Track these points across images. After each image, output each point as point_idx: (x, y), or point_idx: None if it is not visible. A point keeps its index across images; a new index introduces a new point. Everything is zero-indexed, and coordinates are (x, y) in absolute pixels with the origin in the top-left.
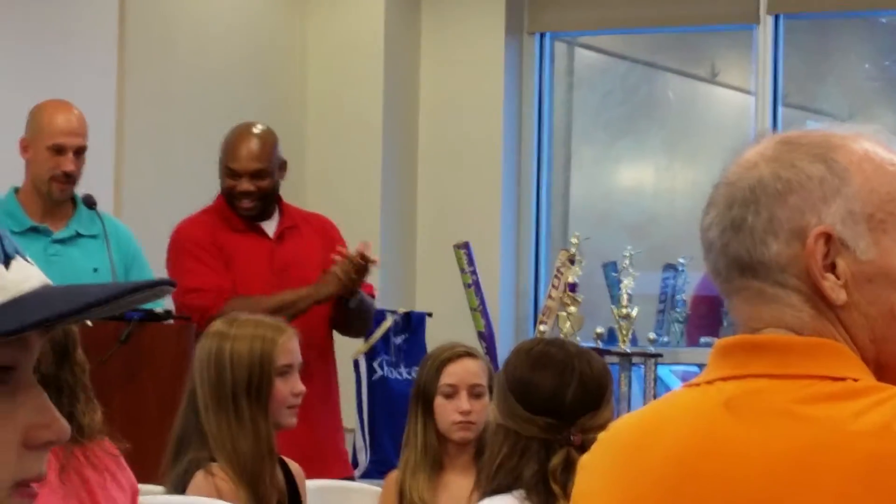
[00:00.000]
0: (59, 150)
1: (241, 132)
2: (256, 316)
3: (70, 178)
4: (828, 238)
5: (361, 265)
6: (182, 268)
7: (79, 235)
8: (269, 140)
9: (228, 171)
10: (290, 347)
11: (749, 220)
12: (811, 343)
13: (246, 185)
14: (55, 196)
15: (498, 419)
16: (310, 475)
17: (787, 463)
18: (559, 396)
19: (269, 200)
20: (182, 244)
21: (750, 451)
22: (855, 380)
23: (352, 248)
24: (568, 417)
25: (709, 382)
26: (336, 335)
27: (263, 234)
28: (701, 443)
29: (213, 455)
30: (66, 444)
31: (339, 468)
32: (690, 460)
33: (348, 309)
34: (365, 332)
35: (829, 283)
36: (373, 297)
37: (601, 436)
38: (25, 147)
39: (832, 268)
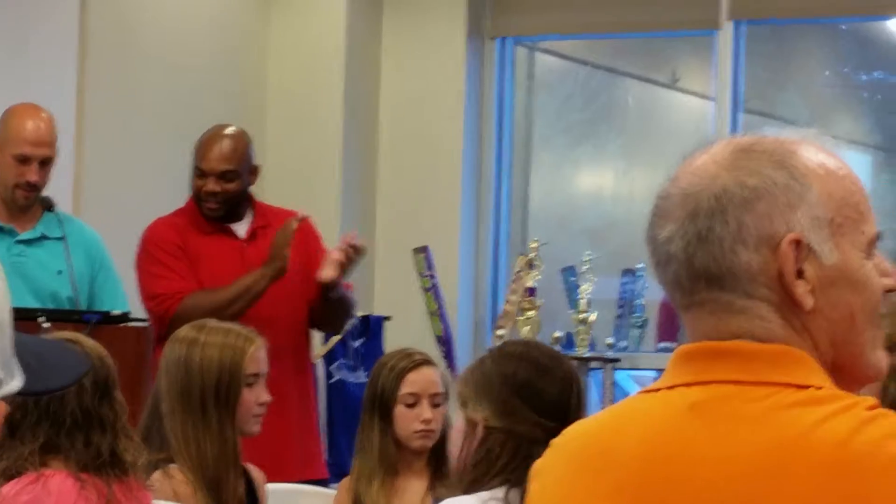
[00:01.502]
0: (23, 160)
1: (214, 133)
2: (225, 324)
3: (34, 188)
4: (797, 244)
5: (351, 255)
6: (146, 271)
7: (44, 237)
8: (240, 142)
9: (198, 171)
10: (257, 357)
11: (717, 229)
12: (776, 350)
13: (212, 185)
14: (19, 203)
15: (494, 422)
16: (284, 477)
17: (753, 468)
18: (564, 401)
19: (234, 203)
20: (147, 247)
21: (715, 456)
22: (818, 388)
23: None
24: (568, 421)
25: (669, 388)
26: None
27: (233, 235)
28: (666, 447)
29: (174, 458)
30: (108, 479)
31: (315, 470)
32: (656, 465)
33: (331, 301)
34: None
35: (801, 290)
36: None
37: (555, 441)
38: None
39: (801, 274)
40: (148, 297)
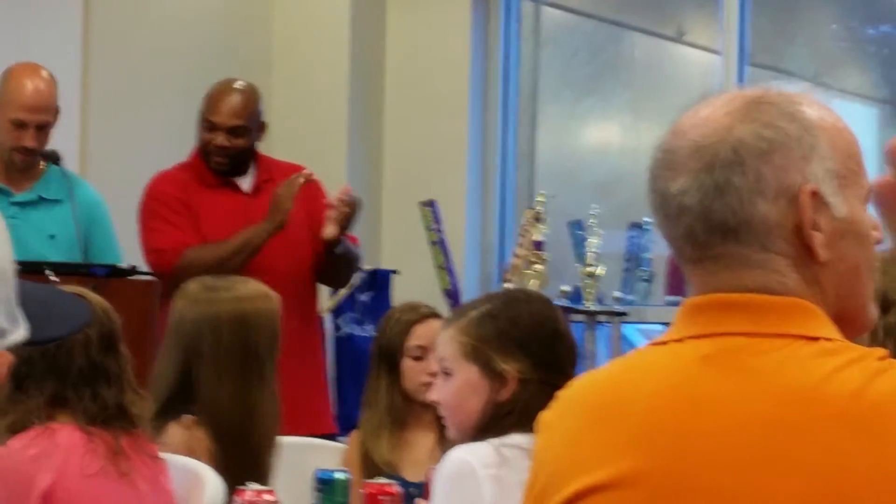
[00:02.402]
0: (21, 125)
1: (225, 86)
2: (240, 278)
3: (31, 152)
4: (814, 195)
5: (344, 209)
6: (146, 226)
7: (41, 199)
8: (251, 98)
9: (207, 124)
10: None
11: (735, 181)
12: (786, 303)
13: (222, 140)
14: (17, 165)
15: (531, 374)
16: (295, 431)
17: (766, 420)
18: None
19: (241, 159)
20: (148, 202)
21: (729, 408)
22: (829, 340)
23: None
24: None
25: (678, 340)
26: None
27: (237, 189)
28: (678, 398)
29: (203, 417)
30: (115, 432)
31: (324, 424)
32: (668, 416)
33: (335, 256)
34: (349, 282)
35: (818, 241)
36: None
37: (562, 394)
38: None
39: (816, 226)
40: (149, 250)
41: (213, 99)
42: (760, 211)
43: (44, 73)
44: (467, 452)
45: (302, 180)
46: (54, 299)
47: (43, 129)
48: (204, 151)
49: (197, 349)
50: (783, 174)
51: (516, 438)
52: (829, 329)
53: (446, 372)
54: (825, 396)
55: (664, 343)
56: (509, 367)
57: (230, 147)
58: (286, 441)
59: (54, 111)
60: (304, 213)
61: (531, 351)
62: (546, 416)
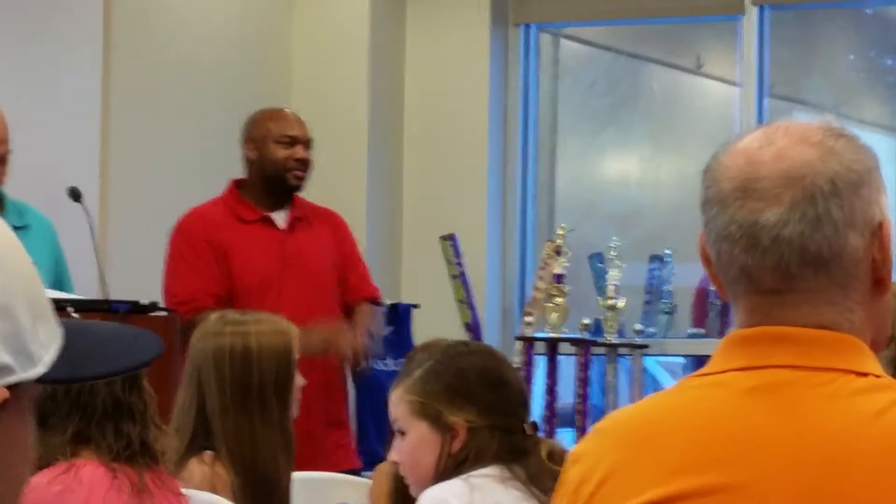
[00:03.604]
0: None
1: (276, 108)
2: (254, 312)
3: None
4: (887, 228)
5: (366, 348)
6: (170, 267)
7: (15, 228)
8: None
9: (287, 139)
10: (297, 341)
11: (833, 213)
12: (835, 337)
13: (303, 152)
14: None
15: (480, 421)
16: (317, 468)
17: (818, 454)
18: (523, 388)
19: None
20: (175, 241)
21: (779, 441)
22: (877, 376)
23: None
24: (527, 407)
25: (720, 373)
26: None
27: (273, 224)
28: (726, 430)
29: (220, 453)
30: (139, 469)
31: (348, 460)
32: (716, 447)
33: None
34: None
35: (889, 272)
36: (379, 302)
37: (599, 427)
38: None
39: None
40: (169, 294)
41: (277, 116)
42: (851, 244)
43: None
44: (439, 489)
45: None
46: (118, 336)
47: (3, 161)
48: (281, 169)
49: (206, 382)
50: (867, 207)
51: (480, 471)
52: (876, 364)
53: (401, 431)
54: (877, 432)
55: (706, 375)
56: (457, 419)
57: (309, 160)
58: (309, 476)
59: (8, 142)
60: (333, 256)
61: (477, 399)
62: (580, 448)
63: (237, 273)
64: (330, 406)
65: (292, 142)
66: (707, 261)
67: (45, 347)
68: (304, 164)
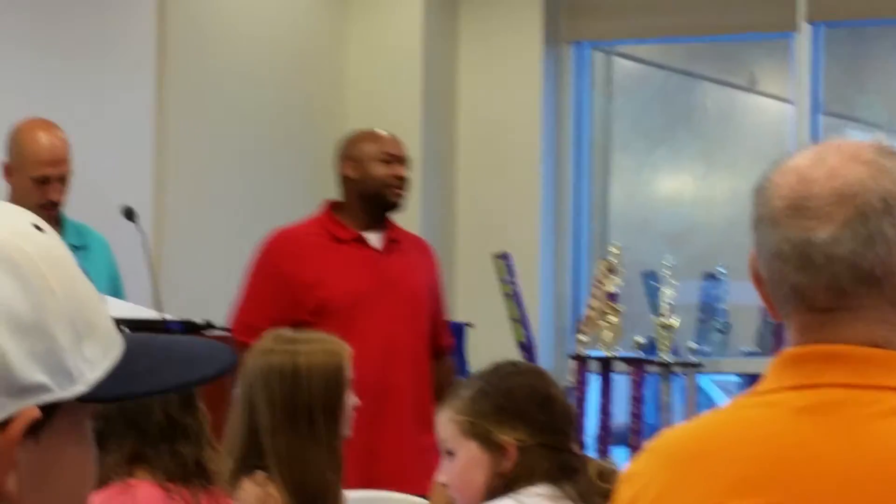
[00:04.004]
0: (44, 181)
1: (370, 129)
2: (305, 332)
3: (57, 206)
4: None
5: None
6: (244, 290)
7: (74, 248)
8: None
9: (386, 158)
10: (350, 361)
11: (886, 231)
12: (888, 356)
13: (403, 171)
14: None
15: (531, 440)
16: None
17: (873, 473)
18: (570, 407)
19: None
20: (257, 263)
21: (834, 459)
22: None
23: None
24: (574, 425)
25: (773, 392)
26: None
27: (368, 245)
28: (780, 448)
29: (271, 473)
30: (194, 489)
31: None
32: (770, 465)
33: None
34: None
35: None
36: (447, 349)
37: (652, 445)
38: (9, 172)
39: None
40: (232, 315)
41: (377, 135)
42: None
43: (56, 129)
44: None
45: None
46: (184, 352)
47: (64, 181)
48: (382, 187)
49: (256, 401)
50: None
51: (531, 490)
52: None
53: (449, 452)
54: None
55: (759, 394)
56: (508, 438)
57: (408, 179)
58: (363, 496)
59: (70, 161)
60: (428, 283)
61: (527, 418)
62: (633, 468)
63: (327, 292)
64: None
65: (393, 160)
66: (758, 279)
67: (90, 365)
68: (404, 182)
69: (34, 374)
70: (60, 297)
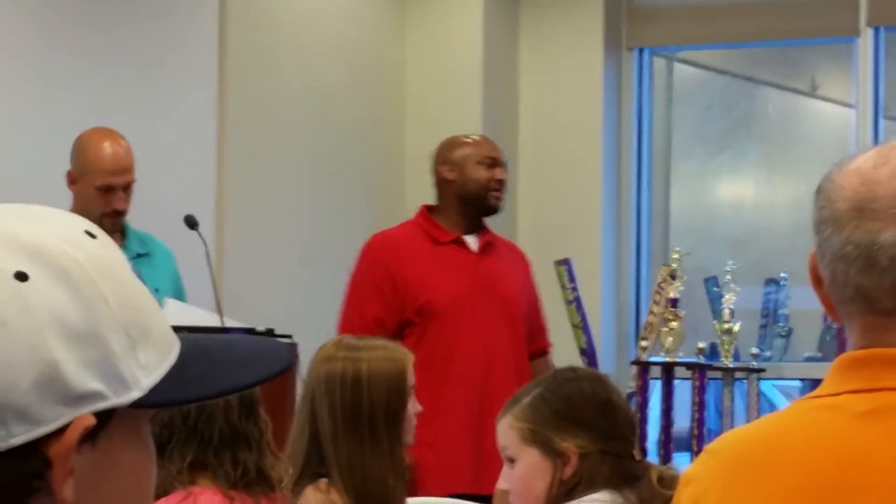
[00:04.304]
0: (108, 190)
1: (466, 134)
2: (368, 338)
3: (121, 214)
4: None
5: None
6: (350, 292)
7: (139, 255)
8: None
9: (487, 161)
10: (412, 368)
11: None
12: None
13: (502, 174)
14: (107, 230)
15: (591, 446)
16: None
17: None
18: (631, 413)
19: None
20: (361, 266)
21: (892, 466)
22: None
23: None
24: (636, 432)
25: (833, 395)
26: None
27: (466, 247)
28: (839, 453)
29: (333, 480)
30: (256, 496)
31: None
32: (829, 470)
33: None
34: None
35: None
36: (546, 351)
37: (712, 448)
38: (73, 180)
39: None
40: (347, 312)
41: (475, 139)
42: None
43: (120, 138)
44: None
45: None
46: (242, 355)
47: (129, 189)
48: (484, 189)
49: (318, 408)
50: None
51: (592, 496)
52: None
53: (510, 459)
54: None
55: (819, 397)
56: (569, 444)
57: (506, 182)
58: (425, 502)
59: (134, 169)
60: (523, 287)
61: (588, 425)
62: (693, 471)
63: (429, 294)
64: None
65: (493, 163)
66: (818, 282)
67: (145, 371)
68: (503, 185)
69: (89, 382)
70: (113, 305)
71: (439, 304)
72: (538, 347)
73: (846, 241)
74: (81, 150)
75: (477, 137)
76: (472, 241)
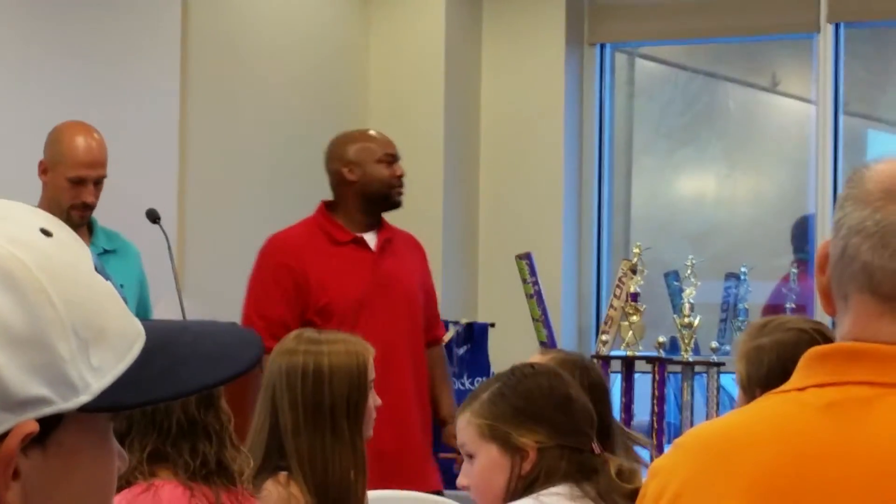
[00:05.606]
0: (80, 182)
1: (363, 130)
2: (330, 332)
3: (89, 208)
4: None
5: None
6: (252, 289)
7: (105, 251)
8: None
9: (387, 158)
10: (372, 362)
11: None
12: None
13: (401, 169)
14: (75, 223)
15: (550, 441)
16: (404, 486)
17: (890, 471)
18: (589, 408)
19: None
20: (261, 264)
21: (852, 457)
22: None
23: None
24: (598, 427)
25: (800, 389)
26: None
27: (366, 246)
28: (802, 446)
29: (293, 473)
30: (216, 489)
31: (433, 480)
32: (790, 463)
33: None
34: None
35: None
36: (441, 340)
37: (679, 442)
38: (44, 170)
39: None
40: (246, 318)
41: (373, 136)
42: None
43: (94, 131)
44: None
45: None
46: (207, 350)
47: (99, 184)
48: (387, 187)
49: (279, 401)
50: None
51: (551, 490)
52: None
53: (469, 455)
54: None
55: (786, 392)
56: (527, 440)
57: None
58: (385, 495)
59: (107, 165)
60: (420, 280)
61: (546, 420)
62: (660, 463)
63: (330, 295)
64: (421, 426)
65: (392, 159)
66: (822, 269)
67: (97, 373)
68: (402, 181)
69: (33, 387)
70: (61, 307)
71: (338, 306)
72: (433, 337)
73: (868, 216)
74: (56, 140)
75: (373, 133)
76: (371, 240)
